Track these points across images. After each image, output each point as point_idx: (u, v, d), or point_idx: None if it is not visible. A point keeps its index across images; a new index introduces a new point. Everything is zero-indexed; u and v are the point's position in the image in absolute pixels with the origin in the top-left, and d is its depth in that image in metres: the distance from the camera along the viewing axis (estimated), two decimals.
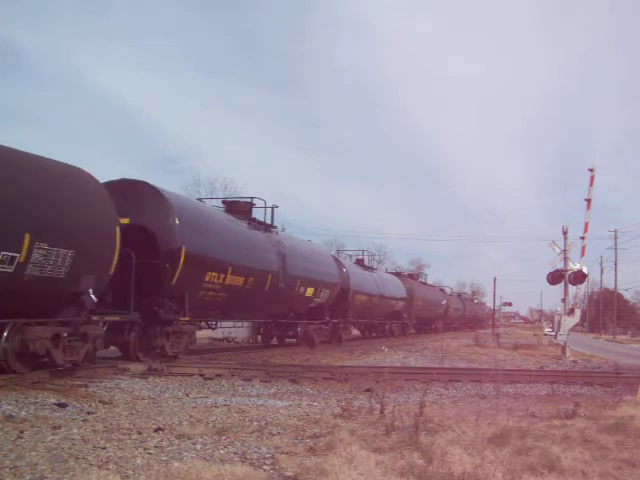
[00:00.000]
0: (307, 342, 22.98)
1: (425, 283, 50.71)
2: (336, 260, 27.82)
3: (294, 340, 23.36)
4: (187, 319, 15.10)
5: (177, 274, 14.19)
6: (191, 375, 12.44)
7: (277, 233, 21.96)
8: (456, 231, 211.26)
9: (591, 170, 23.12)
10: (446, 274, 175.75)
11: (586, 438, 6.55)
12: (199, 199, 20.08)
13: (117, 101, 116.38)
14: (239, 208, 19.73)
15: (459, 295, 71.49)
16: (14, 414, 7.62)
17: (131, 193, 14.39)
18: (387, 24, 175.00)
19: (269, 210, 21.08)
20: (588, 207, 23.06)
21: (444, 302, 53.22)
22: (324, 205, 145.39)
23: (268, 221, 21.03)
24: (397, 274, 43.44)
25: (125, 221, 13.37)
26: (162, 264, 13.95)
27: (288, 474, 5.23)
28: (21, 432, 6.53)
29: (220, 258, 16.43)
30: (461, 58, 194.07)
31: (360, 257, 34.42)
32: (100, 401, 8.99)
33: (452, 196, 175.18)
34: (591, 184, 23.11)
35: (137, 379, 11.67)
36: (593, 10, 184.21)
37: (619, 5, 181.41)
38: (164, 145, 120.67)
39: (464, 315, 67.92)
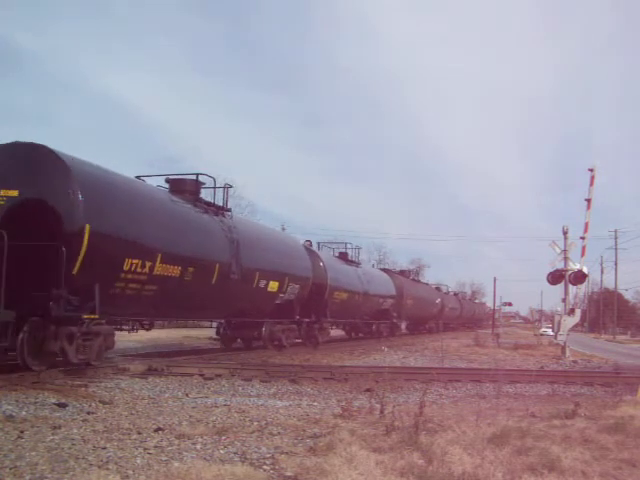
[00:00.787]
0: (273, 344, 20.44)
1: (418, 281, 47.93)
2: (310, 252, 24.32)
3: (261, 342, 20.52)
4: (95, 317, 11.67)
5: (79, 260, 11.21)
6: (191, 375, 12.44)
7: (231, 217, 18.18)
8: (456, 231, 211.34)
9: (591, 170, 23.14)
10: (446, 274, 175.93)
11: (586, 438, 6.55)
12: (138, 177, 15.55)
13: (117, 101, 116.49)
14: (184, 187, 16.43)
15: (456, 294, 69.12)
16: (14, 414, 7.61)
17: (24, 159, 11.68)
18: (387, 24, 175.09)
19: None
20: (588, 207, 23.08)
21: (438, 301, 50.35)
22: (324, 205, 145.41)
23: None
24: (386, 270, 40.21)
25: (13, 193, 11.28)
26: (58, 247, 10.89)
27: (288, 474, 5.23)
28: (21, 432, 6.53)
29: (145, 243, 13.32)
30: (461, 58, 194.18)
31: (343, 251, 30.23)
32: (100, 401, 8.98)
33: (452, 196, 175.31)
34: (591, 184, 23.14)
35: (137, 379, 11.67)
36: (593, 10, 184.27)
37: (619, 5, 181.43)
38: (164, 145, 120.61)
39: (461, 315, 65.56)
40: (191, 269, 14.68)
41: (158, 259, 13.40)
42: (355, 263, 30.47)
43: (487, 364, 17.82)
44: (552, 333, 60.83)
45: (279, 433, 7.04)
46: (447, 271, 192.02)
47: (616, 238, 70.28)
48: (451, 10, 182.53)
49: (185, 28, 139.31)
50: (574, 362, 21.01)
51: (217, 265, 16.00)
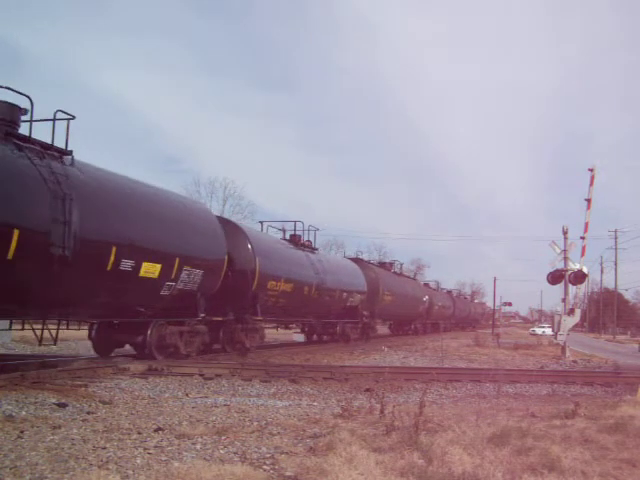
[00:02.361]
0: (167, 352, 15.46)
1: (400, 274, 40.94)
2: (229, 226, 18.97)
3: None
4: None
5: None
6: (191, 375, 12.44)
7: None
8: (456, 231, 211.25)
9: (591, 170, 23.15)
10: (446, 274, 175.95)
11: (586, 438, 6.55)
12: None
13: (117, 101, 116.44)
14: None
15: (449, 292, 64.32)
16: (14, 414, 7.61)
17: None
18: (388, 24, 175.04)
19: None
20: (588, 207, 23.10)
21: (426, 298, 44.98)
22: (324, 205, 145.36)
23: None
24: (357, 260, 32.93)
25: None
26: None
27: (288, 474, 5.23)
28: (21, 432, 6.53)
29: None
30: (461, 58, 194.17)
31: (295, 232, 24.85)
32: (100, 401, 8.99)
33: (452, 196, 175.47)
34: (591, 184, 23.16)
35: (137, 379, 11.67)
36: (594, 11, 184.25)
37: (620, 6, 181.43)
38: (165, 145, 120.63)
39: (454, 314, 60.21)
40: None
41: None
42: (309, 248, 24.93)
43: (487, 364, 17.83)
44: (541, 332, 61.35)
45: (279, 433, 7.04)
46: (447, 271, 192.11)
47: (616, 238, 70.31)
48: (451, 11, 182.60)
49: (186, 28, 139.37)
50: (574, 362, 21.01)
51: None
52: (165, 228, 14.91)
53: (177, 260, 14.94)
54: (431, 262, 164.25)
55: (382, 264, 38.35)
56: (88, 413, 8.00)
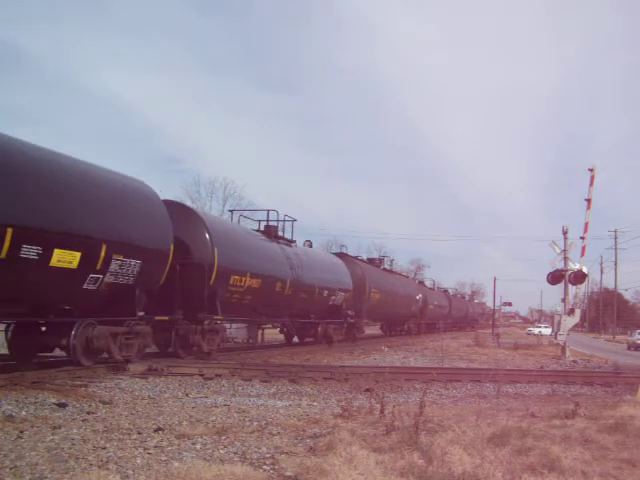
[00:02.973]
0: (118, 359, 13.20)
1: (390, 271, 38.28)
2: (177, 209, 16.22)
3: None
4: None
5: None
6: (191, 375, 12.44)
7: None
8: (456, 231, 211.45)
9: (591, 170, 23.17)
10: (446, 274, 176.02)
11: (586, 438, 6.56)
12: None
13: (118, 101, 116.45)
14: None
15: (445, 290, 61.84)
16: (14, 414, 7.62)
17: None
18: (388, 24, 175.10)
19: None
20: (588, 207, 23.11)
21: (419, 297, 42.16)
22: (324, 205, 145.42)
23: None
24: (342, 255, 29.61)
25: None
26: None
27: (288, 474, 5.23)
28: (21, 432, 6.53)
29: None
30: (461, 58, 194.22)
31: (270, 223, 22.08)
32: (100, 401, 8.99)
33: (452, 196, 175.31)
34: (591, 184, 23.17)
35: (137, 379, 11.67)
36: (594, 11, 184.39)
37: (620, 6, 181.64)
38: (165, 145, 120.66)
39: (450, 314, 57.03)
40: None
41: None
42: (285, 240, 22.45)
43: (487, 364, 17.83)
44: (537, 332, 61.40)
45: (279, 433, 7.04)
46: (447, 271, 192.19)
47: (616, 238, 70.37)
48: (451, 11, 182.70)
49: (186, 28, 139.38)
50: (574, 362, 21.02)
51: None
52: (88, 209, 12.22)
53: (104, 247, 12.28)
54: (431, 262, 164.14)
55: (371, 260, 35.59)
56: (88, 413, 8.01)
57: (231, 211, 22.16)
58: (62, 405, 8.46)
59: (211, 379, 12.09)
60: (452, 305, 58.61)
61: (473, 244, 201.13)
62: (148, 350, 15.26)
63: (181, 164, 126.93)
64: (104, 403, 8.84)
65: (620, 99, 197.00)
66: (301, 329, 24.48)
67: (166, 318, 15.16)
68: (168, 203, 15.74)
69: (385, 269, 36.35)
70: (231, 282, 17.38)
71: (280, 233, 22.36)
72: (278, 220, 22.39)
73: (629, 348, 38.25)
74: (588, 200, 23.07)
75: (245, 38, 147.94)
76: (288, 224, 23.06)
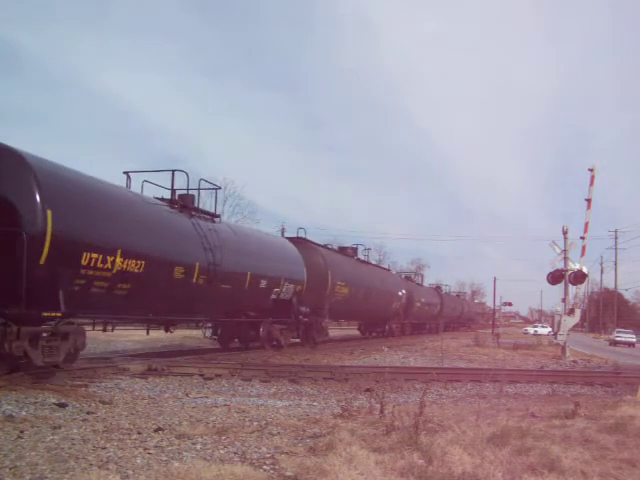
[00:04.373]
0: None
1: (366, 262, 32.36)
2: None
3: None
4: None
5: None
6: (191, 375, 12.44)
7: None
8: (456, 231, 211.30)
9: (591, 170, 23.19)
10: (446, 274, 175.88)
11: (586, 438, 6.56)
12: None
13: (118, 101, 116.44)
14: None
15: (437, 287, 56.17)
16: (14, 414, 7.61)
17: None
18: (389, 24, 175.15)
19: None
20: (588, 207, 23.13)
21: (402, 293, 36.89)
22: (324, 205, 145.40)
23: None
24: (298, 240, 24.27)
25: None
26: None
27: (288, 474, 5.23)
28: (21, 432, 6.53)
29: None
30: (462, 58, 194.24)
31: (189, 191, 16.86)
32: (100, 401, 8.99)
33: (452, 196, 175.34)
34: (591, 184, 23.20)
35: (137, 379, 11.68)
36: (593, 10, 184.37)
37: (619, 6, 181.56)
38: (165, 145, 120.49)
39: (441, 313, 50.47)
40: None
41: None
42: (202, 214, 17.22)
43: (487, 364, 17.83)
44: (533, 331, 61.51)
45: (279, 433, 7.04)
46: (447, 271, 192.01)
47: (616, 238, 70.50)
48: (451, 10, 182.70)
49: (186, 28, 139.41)
50: (574, 362, 21.03)
51: None
52: None
53: None
54: (431, 262, 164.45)
55: (342, 249, 30.05)
56: (88, 413, 8.00)
57: (126, 173, 15.57)
58: (62, 405, 8.46)
59: (211, 379, 12.10)
60: (444, 303, 52.55)
61: (473, 244, 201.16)
62: None
63: (181, 164, 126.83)
64: (104, 403, 8.84)
65: (621, 99, 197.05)
66: (238, 330, 19.86)
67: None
68: None
69: (360, 260, 30.93)
70: (85, 263, 11.70)
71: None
72: (187, 188, 16.75)
73: (610, 344, 46.21)
74: (588, 200, 23.09)
75: (245, 38, 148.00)
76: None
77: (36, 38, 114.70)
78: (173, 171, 16.37)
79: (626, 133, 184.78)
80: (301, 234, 25.15)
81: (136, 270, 13.22)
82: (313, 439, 6.66)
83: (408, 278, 44.85)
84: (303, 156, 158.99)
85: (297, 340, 22.80)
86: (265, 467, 5.46)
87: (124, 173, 15.57)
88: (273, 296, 20.13)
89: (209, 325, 19.82)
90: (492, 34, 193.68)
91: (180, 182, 16.48)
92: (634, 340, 46.23)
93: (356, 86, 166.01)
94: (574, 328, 28.80)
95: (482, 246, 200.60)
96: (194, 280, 15.47)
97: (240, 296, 18.18)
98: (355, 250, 30.81)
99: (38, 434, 6.48)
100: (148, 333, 17.13)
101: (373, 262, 38.51)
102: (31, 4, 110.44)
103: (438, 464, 5.24)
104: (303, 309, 22.04)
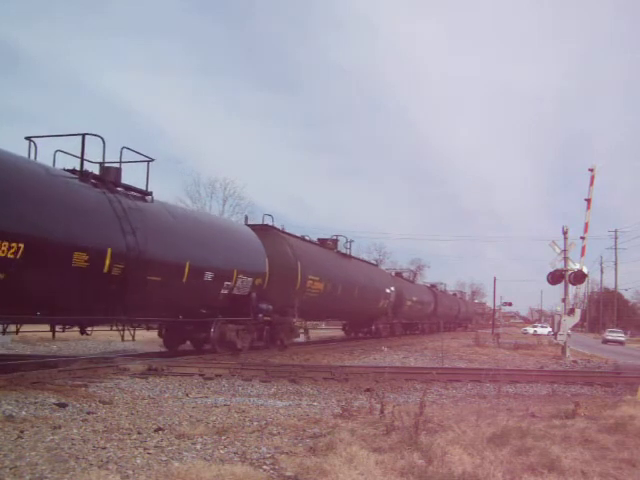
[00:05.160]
0: None
1: (348, 256, 28.57)
2: None
3: None
4: None
5: None
6: (191, 375, 12.44)
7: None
8: (456, 231, 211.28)
9: (591, 170, 23.19)
10: (446, 274, 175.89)
11: (586, 438, 6.56)
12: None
13: (117, 101, 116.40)
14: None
15: (431, 286, 52.79)
16: (14, 414, 7.61)
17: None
18: (388, 24, 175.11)
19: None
20: (588, 207, 23.12)
21: (390, 290, 33.82)
22: (324, 205, 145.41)
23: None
24: (262, 227, 21.09)
25: None
26: None
27: (288, 474, 5.23)
28: (21, 432, 6.53)
29: None
30: (462, 58, 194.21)
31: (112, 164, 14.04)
32: (100, 401, 8.99)
33: (452, 196, 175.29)
34: (591, 184, 23.19)
35: (137, 379, 11.67)
36: (595, 10, 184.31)
37: (621, 5, 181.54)
38: (165, 145, 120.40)
39: (435, 312, 47.44)
40: None
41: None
42: (126, 190, 14.23)
43: (487, 364, 17.83)
44: (532, 331, 61.93)
45: (279, 433, 7.04)
46: (447, 271, 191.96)
47: (616, 238, 70.59)
48: (452, 10, 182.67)
49: (186, 28, 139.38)
50: (574, 362, 21.03)
51: None
52: None
53: None
54: (431, 262, 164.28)
55: (321, 240, 26.71)
56: (88, 413, 8.00)
57: (28, 138, 12.93)
58: (62, 405, 8.46)
59: (211, 379, 12.09)
60: (438, 302, 49.18)
61: (473, 244, 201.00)
62: None
63: (182, 164, 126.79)
64: (104, 403, 8.84)
65: (621, 99, 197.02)
66: (186, 331, 17.51)
67: None
68: None
69: (340, 253, 27.48)
70: None
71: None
72: (103, 160, 13.71)
73: (603, 342, 48.65)
74: (588, 200, 23.09)
75: (245, 38, 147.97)
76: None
77: (35, 38, 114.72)
78: (83, 135, 12.97)
79: (627, 133, 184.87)
80: (267, 221, 21.50)
81: (10, 255, 10.44)
82: (313, 439, 6.66)
83: (399, 275, 41.69)
84: (303, 156, 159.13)
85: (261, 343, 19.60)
86: (265, 467, 5.46)
87: (26, 138, 12.89)
88: (224, 291, 17.03)
89: (155, 326, 17.28)
90: (493, 34, 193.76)
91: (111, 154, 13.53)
92: (623, 339, 50.16)
93: (356, 86, 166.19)
94: (574, 328, 28.81)
95: (482, 246, 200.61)
96: (105, 270, 12.44)
97: (177, 291, 14.98)
98: (335, 242, 27.22)
99: (38, 434, 6.48)
100: (56, 333, 13.70)
101: (361, 257, 36.12)
102: (30, 3, 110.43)
103: (438, 464, 5.23)
104: (264, 307, 18.86)
